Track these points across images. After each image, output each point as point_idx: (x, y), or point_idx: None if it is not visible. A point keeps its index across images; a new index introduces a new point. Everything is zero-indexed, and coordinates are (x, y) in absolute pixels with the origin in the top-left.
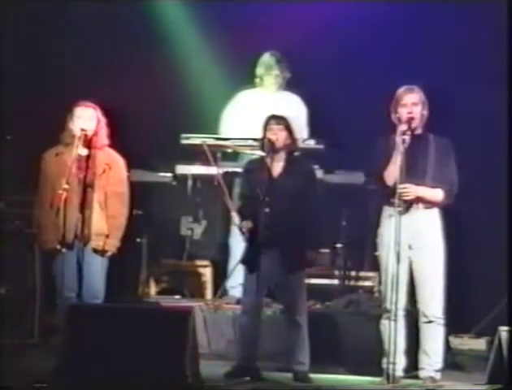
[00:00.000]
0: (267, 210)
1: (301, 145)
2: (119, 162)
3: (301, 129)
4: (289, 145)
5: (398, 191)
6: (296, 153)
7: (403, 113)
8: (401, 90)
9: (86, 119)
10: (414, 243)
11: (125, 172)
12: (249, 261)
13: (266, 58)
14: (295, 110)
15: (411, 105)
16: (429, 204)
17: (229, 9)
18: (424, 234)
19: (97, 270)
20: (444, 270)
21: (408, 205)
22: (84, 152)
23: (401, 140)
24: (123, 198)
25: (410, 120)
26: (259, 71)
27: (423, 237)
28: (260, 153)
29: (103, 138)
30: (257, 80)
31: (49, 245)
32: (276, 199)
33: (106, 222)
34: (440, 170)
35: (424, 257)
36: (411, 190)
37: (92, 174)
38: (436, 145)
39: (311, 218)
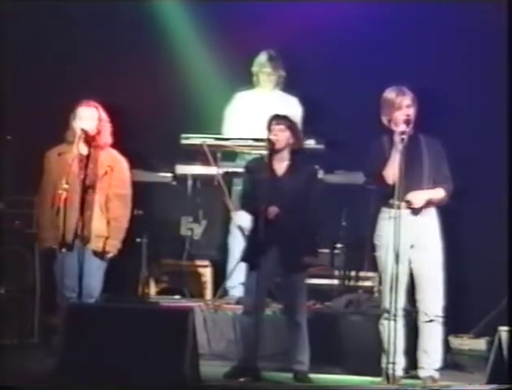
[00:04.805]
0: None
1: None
2: (122, 163)
3: None
4: (292, 145)
5: (405, 199)
6: (299, 154)
7: (399, 116)
8: (392, 94)
9: (87, 118)
10: (414, 243)
11: (128, 174)
12: (249, 259)
13: (260, 56)
14: (289, 110)
15: (406, 107)
16: (433, 204)
17: (229, 9)
18: (423, 234)
19: (94, 270)
20: (443, 270)
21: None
22: (86, 151)
23: (400, 139)
24: (126, 200)
25: (407, 122)
26: (254, 69)
27: (423, 237)
28: (263, 152)
29: (106, 137)
30: (254, 79)
31: (46, 244)
32: (277, 198)
33: (108, 224)
34: (435, 168)
35: (424, 256)
36: (419, 197)
37: (93, 175)
38: (427, 144)
39: (312, 219)
